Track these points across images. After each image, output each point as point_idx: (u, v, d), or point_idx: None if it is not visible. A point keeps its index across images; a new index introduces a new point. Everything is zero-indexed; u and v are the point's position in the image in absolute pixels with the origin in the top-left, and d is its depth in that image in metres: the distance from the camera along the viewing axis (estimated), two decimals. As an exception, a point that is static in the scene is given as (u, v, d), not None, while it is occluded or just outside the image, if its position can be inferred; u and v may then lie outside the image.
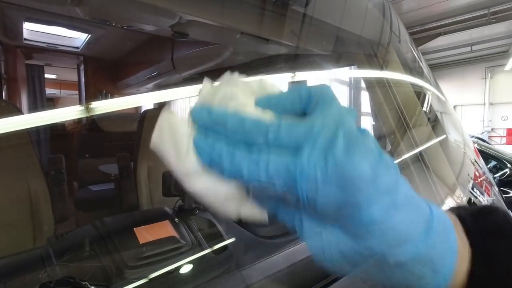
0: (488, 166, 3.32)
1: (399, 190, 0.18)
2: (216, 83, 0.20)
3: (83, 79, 3.70)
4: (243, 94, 0.18)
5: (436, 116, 1.53)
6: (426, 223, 0.18)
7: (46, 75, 3.91)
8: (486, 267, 0.19)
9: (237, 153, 0.17)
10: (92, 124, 2.95)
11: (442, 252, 0.18)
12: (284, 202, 0.19)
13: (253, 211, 0.19)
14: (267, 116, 0.18)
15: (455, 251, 0.19)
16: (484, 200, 1.26)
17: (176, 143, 0.18)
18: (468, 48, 7.93)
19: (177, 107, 4.33)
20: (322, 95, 0.18)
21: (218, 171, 0.17)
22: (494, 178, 3.18)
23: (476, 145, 3.45)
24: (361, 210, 0.16)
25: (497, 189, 1.63)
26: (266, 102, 0.18)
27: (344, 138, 0.16)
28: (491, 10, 4.99)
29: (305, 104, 0.18)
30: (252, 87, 0.19)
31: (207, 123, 0.18)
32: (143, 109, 2.37)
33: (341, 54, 1.58)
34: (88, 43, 2.89)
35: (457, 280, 0.19)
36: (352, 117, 0.17)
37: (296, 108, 0.18)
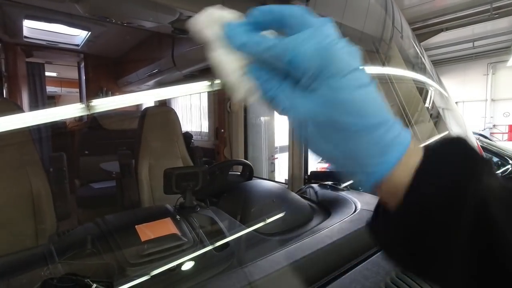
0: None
1: (366, 79, 0.22)
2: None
3: (83, 77, 3.70)
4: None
5: (439, 112, 1.52)
6: (386, 115, 0.22)
7: (47, 73, 3.91)
8: (428, 163, 0.22)
9: (254, 35, 0.24)
10: (93, 122, 2.95)
11: (394, 136, 0.22)
12: (276, 76, 0.24)
13: (248, 83, 0.24)
14: None
15: (407, 142, 0.23)
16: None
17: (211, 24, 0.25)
18: (470, 44, 7.87)
19: (178, 104, 4.33)
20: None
21: (236, 45, 0.24)
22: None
23: (478, 142, 3.44)
24: (335, 77, 0.21)
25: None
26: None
27: (329, 34, 0.22)
28: (493, 5, 4.94)
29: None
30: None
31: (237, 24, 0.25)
32: (143, 107, 2.37)
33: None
34: (88, 41, 2.88)
35: (402, 168, 0.22)
36: (326, 25, 0.23)
37: None
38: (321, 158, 0.25)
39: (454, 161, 0.22)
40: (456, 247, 0.21)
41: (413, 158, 0.22)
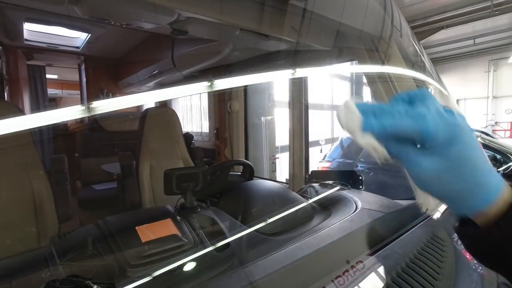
0: (492, 160, 3.29)
1: (476, 140, 0.31)
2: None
3: (84, 79, 3.71)
4: None
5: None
6: (489, 165, 0.31)
7: (48, 76, 3.92)
8: None
9: (383, 117, 0.30)
10: (94, 124, 2.96)
11: (495, 184, 0.31)
12: (401, 144, 0.31)
13: (382, 150, 0.31)
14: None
15: (502, 187, 0.31)
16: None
17: (351, 117, 0.31)
18: (471, 41, 7.83)
19: (179, 104, 4.33)
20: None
21: (376, 130, 0.30)
22: (498, 171, 3.15)
23: (479, 139, 3.42)
24: (461, 144, 0.30)
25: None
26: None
27: (449, 111, 0.30)
28: (494, 2, 4.91)
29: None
30: None
31: (366, 109, 0.31)
32: (144, 108, 2.37)
33: (342, 49, 1.57)
34: (88, 43, 2.89)
35: (498, 204, 0.30)
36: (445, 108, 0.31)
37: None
38: (424, 191, 0.33)
39: None
40: None
41: (505, 196, 0.31)
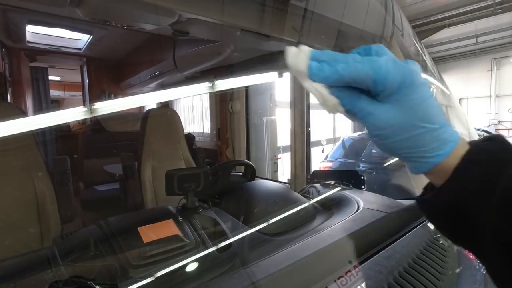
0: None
1: (429, 90, 0.29)
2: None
3: (86, 80, 3.73)
4: None
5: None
6: (444, 115, 0.30)
7: (51, 77, 3.95)
8: (475, 155, 0.29)
9: (336, 63, 0.28)
10: (96, 125, 2.97)
11: (450, 135, 0.30)
12: (355, 94, 0.30)
13: (333, 101, 0.31)
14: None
15: (458, 140, 0.30)
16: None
17: (298, 62, 0.30)
18: (473, 40, 7.81)
19: (180, 105, 4.34)
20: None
21: (322, 78, 0.29)
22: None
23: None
24: (414, 88, 0.28)
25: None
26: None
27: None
28: (496, 1, 4.90)
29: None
30: None
31: (318, 54, 0.30)
32: (146, 109, 2.38)
33: (343, 49, 1.56)
34: (90, 44, 2.90)
35: (452, 157, 0.29)
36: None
37: None
38: (384, 151, 0.31)
39: (492, 151, 0.29)
40: (487, 217, 0.27)
41: (460, 150, 0.30)
